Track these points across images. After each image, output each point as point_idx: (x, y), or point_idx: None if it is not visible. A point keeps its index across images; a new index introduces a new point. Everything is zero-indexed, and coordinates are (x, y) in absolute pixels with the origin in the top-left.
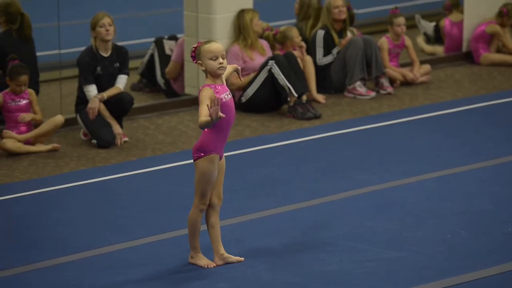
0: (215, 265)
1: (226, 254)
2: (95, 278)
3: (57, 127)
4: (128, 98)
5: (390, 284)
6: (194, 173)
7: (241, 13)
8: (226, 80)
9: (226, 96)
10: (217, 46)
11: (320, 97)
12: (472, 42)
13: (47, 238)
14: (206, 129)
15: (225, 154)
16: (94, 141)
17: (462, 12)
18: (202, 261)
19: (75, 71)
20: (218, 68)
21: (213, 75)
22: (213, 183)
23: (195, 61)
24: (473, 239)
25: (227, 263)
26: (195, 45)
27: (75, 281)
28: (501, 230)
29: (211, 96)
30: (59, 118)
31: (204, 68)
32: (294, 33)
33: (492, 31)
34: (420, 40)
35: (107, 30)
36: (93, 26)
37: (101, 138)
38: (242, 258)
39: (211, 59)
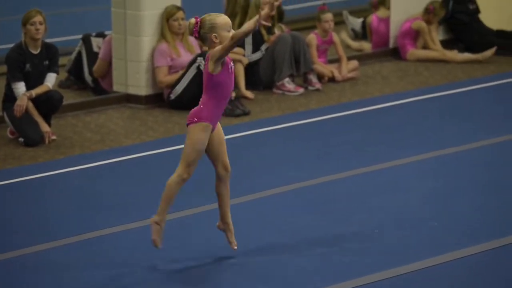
0: (159, 247)
1: (231, 226)
2: (22, 279)
3: None
4: (58, 96)
5: (322, 279)
6: (186, 139)
7: (164, 9)
8: None
9: (231, 67)
10: (225, 17)
11: (249, 94)
12: (399, 38)
13: None
14: (204, 97)
15: (154, 152)
16: (21, 139)
17: (389, 8)
18: (155, 233)
19: (3, 68)
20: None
21: None
22: (200, 153)
23: (197, 35)
24: (400, 235)
25: (225, 232)
26: (196, 21)
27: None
28: (428, 225)
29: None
30: None
31: (218, 40)
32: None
33: (418, 27)
34: (345, 36)
35: (37, 29)
36: (24, 23)
37: (29, 136)
38: (235, 247)
39: (228, 31)
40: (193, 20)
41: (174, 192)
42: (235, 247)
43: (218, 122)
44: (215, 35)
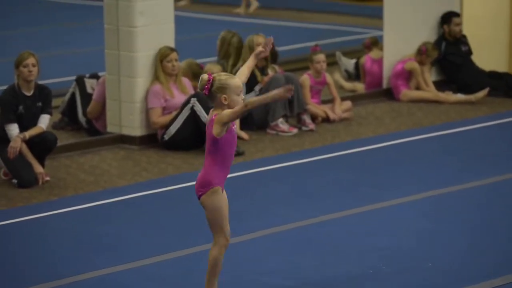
0: None
1: None
2: None
3: None
4: (52, 137)
5: None
6: (204, 212)
7: (158, 51)
8: None
9: (234, 127)
10: (238, 81)
11: (244, 134)
12: (392, 79)
13: None
14: (209, 161)
15: (147, 193)
16: (14, 180)
17: (382, 49)
18: None
19: None
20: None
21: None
22: (225, 214)
23: (207, 93)
24: (395, 274)
25: None
26: (209, 78)
27: None
28: (423, 266)
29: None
30: None
31: (227, 103)
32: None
33: (411, 68)
34: (338, 76)
35: (30, 71)
36: (17, 65)
37: (22, 177)
38: None
39: (238, 95)
40: (205, 77)
41: (219, 265)
42: None
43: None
44: (225, 97)
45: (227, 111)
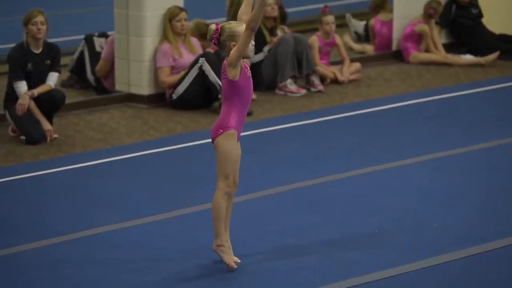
0: (235, 267)
1: (229, 243)
2: (21, 276)
3: None
4: (60, 95)
5: (322, 278)
6: (216, 155)
7: (167, 10)
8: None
9: (248, 72)
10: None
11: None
12: (402, 41)
13: None
14: (226, 106)
15: (155, 151)
16: (22, 137)
17: (391, 11)
18: (228, 256)
19: (4, 68)
20: (252, 50)
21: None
22: (235, 162)
23: (216, 42)
24: (400, 234)
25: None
26: (216, 27)
27: None
28: (429, 226)
29: None
30: None
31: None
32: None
33: (421, 30)
34: (348, 38)
35: (38, 29)
36: (26, 23)
37: (30, 134)
38: (235, 267)
39: None
40: (213, 27)
41: (222, 209)
42: (235, 267)
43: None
44: (234, 44)
45: (234, 49)
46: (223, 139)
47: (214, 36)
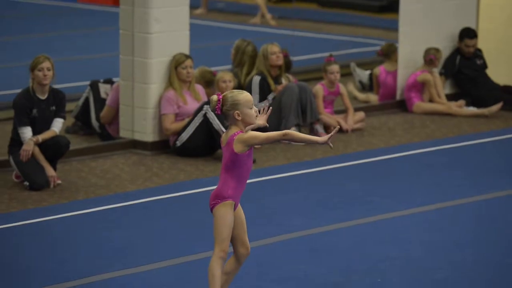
0: None
1: None
2: None
3: None
4: (65, 141)
5: None
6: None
7: (173, 57)
8: None
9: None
10: (247, 94)
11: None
12: (405, 91)
13: None
14: (225, 176)
15: (158, 198)
16: (26, 183)
17: (396, 61)
18: None
19: (9, 113)
20: (255, 117)
21: (247, 123)
22: (230, 228)
23: (220, 112)
24: (403, 284)
25: None
26: (218, 97)
27: None
28: (431, 277)
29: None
30: None
31: (241, 118)
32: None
33: (423, 79)
34: (352, 87)
35: (45, 75)
36: (32, 69)
37: (34, 180)
38: None
39: (250, 108)
40: (215, 98)
41: (217, 275)
42: None
43: (239, 204)
44: (237, 113)
45: (258, 134)
46: (220, 208)
47: (217, 106)
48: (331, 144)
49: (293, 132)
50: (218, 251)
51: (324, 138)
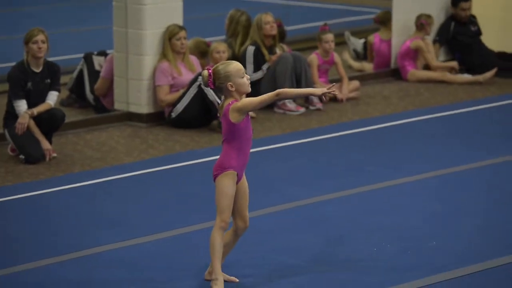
0: None
1: (222, 277)
2: None
3: None
4: (60, 114)
5: None
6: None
7: (167, 29)
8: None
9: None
10: (237, 64)
11: (251, 113)
12: (399, 59)
13: None
14: (226, 146)
15: (154, 170)
16: (21, 156)
17: (391, 29)
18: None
19: (4, 87)
20: (248, 84)
21: (242, 92)
22: (231, 199)
23: (213, 87)
24: (399, 253)
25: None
26: (208, 71)
27: None
28: (427, 244)
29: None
30: None
31: (234, 89)
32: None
33: (416, 46)
34: (347, 56)
35: (39, 48)
36: (26, 41)
37: (30, 153)
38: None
39: (242, 77)
40: (205, 73)
41: (217, 245)
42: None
43: (244, 175)
44: (230, 84)
45: (251, 99)
46: (222, 178)
47: (209, 81)
48: (331, 93)
49: (286, 90)
50: (219, 221)
51: (322, 89)
